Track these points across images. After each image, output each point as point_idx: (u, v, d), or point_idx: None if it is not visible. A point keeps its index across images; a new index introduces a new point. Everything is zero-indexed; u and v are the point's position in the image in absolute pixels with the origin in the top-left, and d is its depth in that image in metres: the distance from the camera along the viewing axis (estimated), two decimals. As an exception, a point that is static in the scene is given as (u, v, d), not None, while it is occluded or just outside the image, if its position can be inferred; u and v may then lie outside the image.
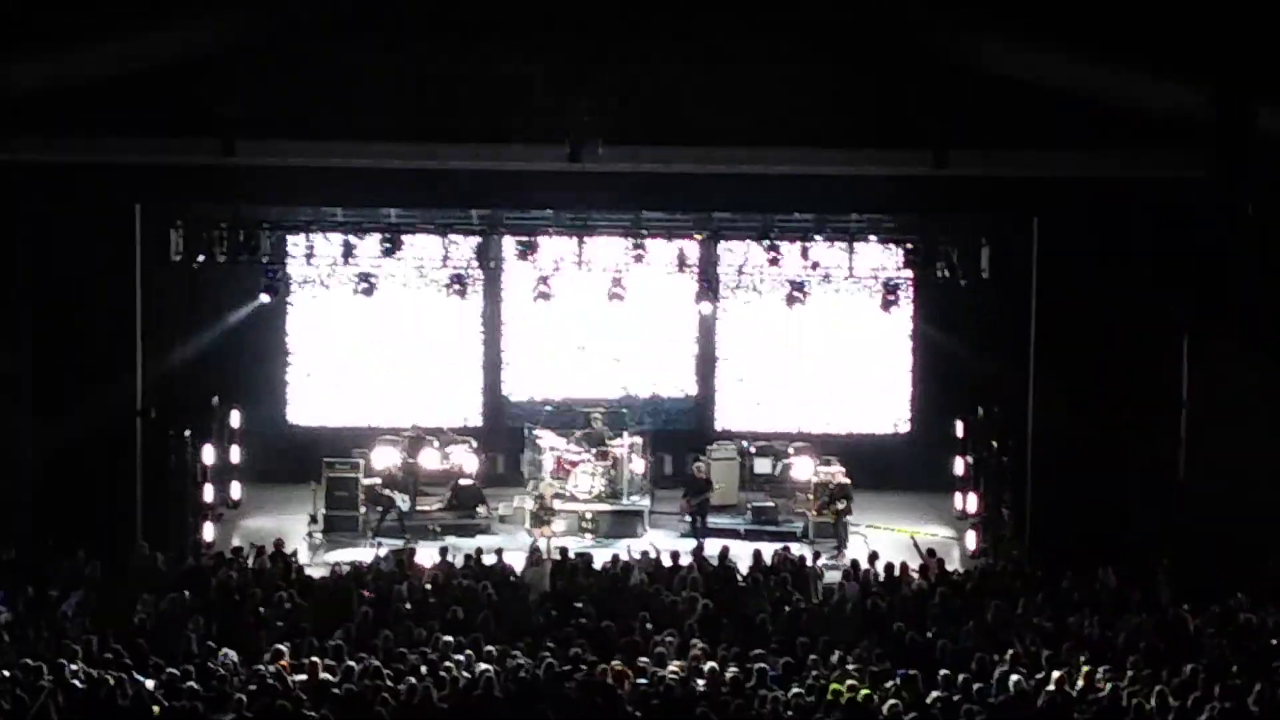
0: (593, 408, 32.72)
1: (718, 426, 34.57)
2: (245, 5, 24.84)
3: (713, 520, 30.37)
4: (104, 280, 27.39)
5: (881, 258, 31.25)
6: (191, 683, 18.64)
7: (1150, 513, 26.93)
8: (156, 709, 18.03)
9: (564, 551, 26.11)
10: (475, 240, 30.55)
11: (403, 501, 30.30)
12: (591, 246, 29.91)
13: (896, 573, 24.96)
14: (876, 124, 25.72)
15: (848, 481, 30.35)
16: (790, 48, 25.59)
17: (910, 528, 30.98)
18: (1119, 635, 21.67)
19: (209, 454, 30.12)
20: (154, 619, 22.17)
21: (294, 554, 26.09)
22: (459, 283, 30.77)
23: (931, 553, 26.23)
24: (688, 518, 30.44)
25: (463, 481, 31.53)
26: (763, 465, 32.24)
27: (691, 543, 27.83)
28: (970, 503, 30.89)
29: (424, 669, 19.56)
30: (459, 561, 25.43)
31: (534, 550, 26.38)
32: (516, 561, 25.59)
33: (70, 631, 21.44)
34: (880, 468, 32.67)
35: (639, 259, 29.60)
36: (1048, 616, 22.57)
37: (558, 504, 30.12)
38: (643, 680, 19.31)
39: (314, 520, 30.39)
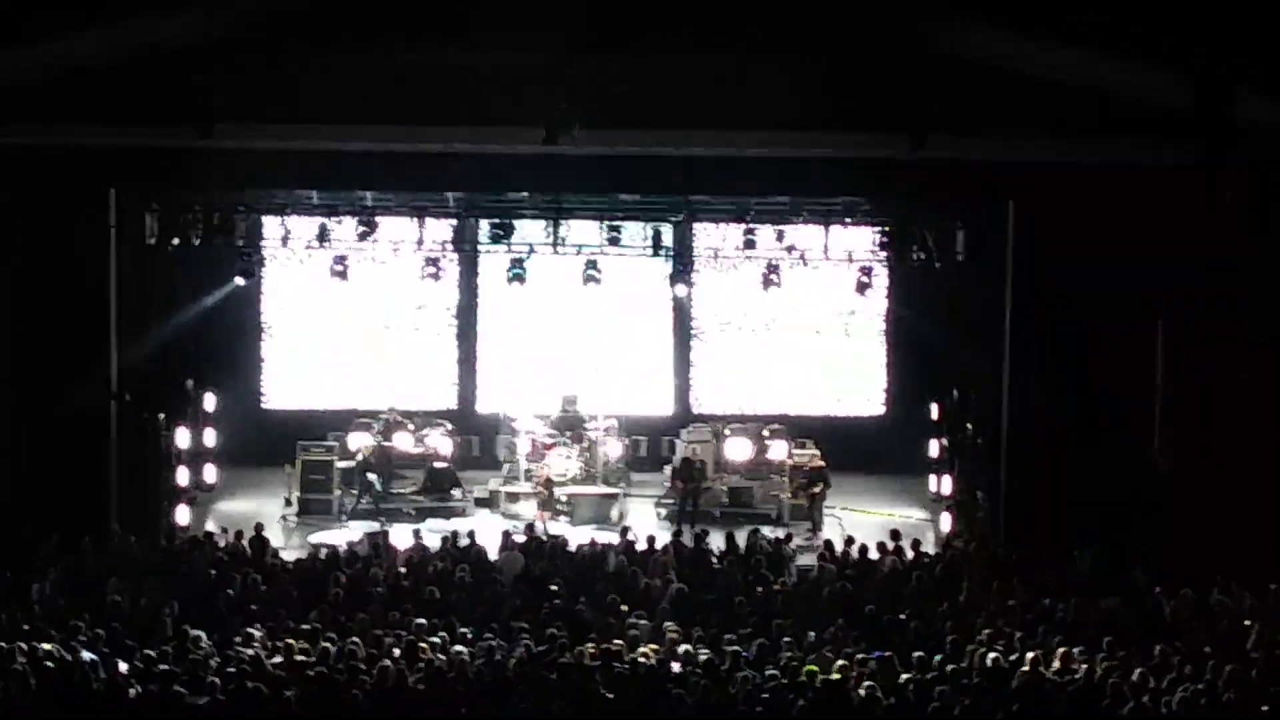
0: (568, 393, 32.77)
1: (693, 409, 34.59)
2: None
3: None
4: (79, 264, 27.31)
5: (857, 240, 31.21)
6: (166, 665, 18.62)
7: (1125, 495, 26.98)
8: (131, 692, 17.99)
9: (529, 529, 26.31)
10: (451, 223, 30.49)
11: (378, 484, 30.30)
12: (566, 230, 29.93)
13: (871, 555, 24.99)
14: (853, 107, 25.60)
15: (823, 464, 30.40)
16: (767, 31, 25.50)
17: (885, 510, 31.02)
18: (1093, 617, 21.72)
19: (183, 437, 30.07)
20: (128, 603, 22.13)
21: (258, 533, 25.95)
22: (434, 265, 30.70)
23: (896, 535, 26.11)
24: (672, 500, 30.49)
25: (438, 464, 31.50)
26: (738, 448, 32.15)
27: (668, 525, 27.82)
28: (945, 485, 30.94)
29: (398, 651, 19.55)
30: (434, 544, 25.46)
31: (521, 530, 26.35)
32: (490, 545, 25.60)
33: (44, 615, 21.39)
34: (855, 450, 32.63)
35: (614, 242, 29.58)
36: (1022, 599, 22.62)
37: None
38: (617, 664, 19.32)
39: (289, 503, 30.37)
